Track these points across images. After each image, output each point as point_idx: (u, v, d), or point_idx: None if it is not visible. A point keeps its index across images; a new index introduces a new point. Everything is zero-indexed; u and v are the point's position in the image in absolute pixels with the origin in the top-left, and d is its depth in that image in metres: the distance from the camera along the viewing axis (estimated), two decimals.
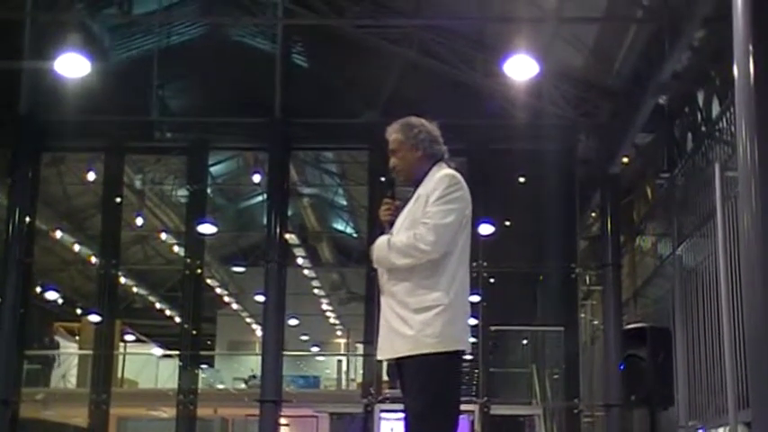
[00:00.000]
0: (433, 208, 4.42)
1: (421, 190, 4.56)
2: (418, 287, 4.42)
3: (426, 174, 4.59)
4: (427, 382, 4.36)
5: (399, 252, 4.41)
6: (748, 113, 7.94)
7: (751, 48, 7.96)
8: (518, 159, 17.97)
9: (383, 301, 4.58)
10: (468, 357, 19.24)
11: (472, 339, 17.26)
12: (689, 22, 12.46)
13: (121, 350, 26.36)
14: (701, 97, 15.33)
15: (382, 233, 4.59)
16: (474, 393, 17.15)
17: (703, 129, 15.15)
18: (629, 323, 13.56)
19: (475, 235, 17.66)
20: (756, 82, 7.97)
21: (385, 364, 17.04)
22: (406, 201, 4.63)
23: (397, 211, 4.62)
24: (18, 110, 17.76)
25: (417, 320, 4.38)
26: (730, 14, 8.17)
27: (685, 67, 14.73)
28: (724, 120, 13.89)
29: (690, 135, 16.04)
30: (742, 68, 8.01)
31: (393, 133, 4.69)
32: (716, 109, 14.61)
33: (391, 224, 4.59)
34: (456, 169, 4.63)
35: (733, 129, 11.08)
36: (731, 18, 8.16)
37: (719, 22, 10.96)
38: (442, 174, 4.54)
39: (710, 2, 11.77)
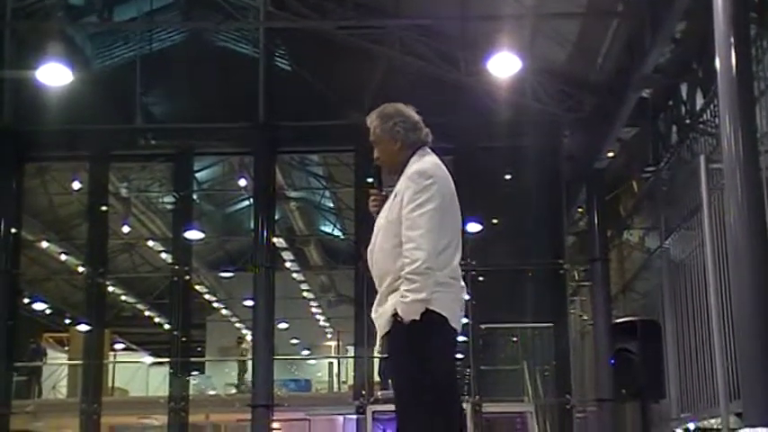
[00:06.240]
0: (408, 228, 4.36)
1: (398, 185, 4.53)
2: (394, 294, 4.41)
3: (407, 163, 4.57)
4: (409, 349, 4.30)
5: (412, 291, 4.30)
6: (731, 105, 7.97)
7: (732, 39, 7.98)
8: (503, 156, 17.97)
9: None
10: (459, 356, 19.26)
11: (463, 338, 17.37)
12: (670, 14, 12.48)
13: (111, 359, 26.23)
14: (684, 90, 15.36)
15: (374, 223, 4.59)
16: (466, 392, 17.13)
17: (687, 121, 15.18)
18: (618, 317, 13.53)
19: (463, 233, 17.71)
20: (738, 73, 7.99)
21: (376, 363, 17.05)
22: (392, 190, 4.61)
23: (383, 202, 4.61)
24: (0, 120, 17.66)
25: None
26: (711, 6, 8.18)
27: (668, 60, 14.75)
28: (708, 112, 13.92)
29: (674, 128, 16.07)
30: (724, 60, 8.03)
31: (371, 124, 4.69)
32: (699, 101, 14.64)
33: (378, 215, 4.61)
34: (436, 154, 4.60)
35: (717, 121, 11.10)
36: (712, 10, 8.18)
37: (701, 14, 10.97)
38: (412, 170, 4.49)
39: None
